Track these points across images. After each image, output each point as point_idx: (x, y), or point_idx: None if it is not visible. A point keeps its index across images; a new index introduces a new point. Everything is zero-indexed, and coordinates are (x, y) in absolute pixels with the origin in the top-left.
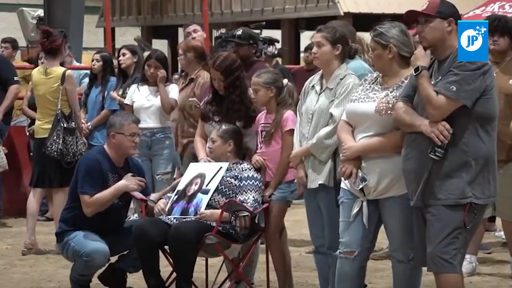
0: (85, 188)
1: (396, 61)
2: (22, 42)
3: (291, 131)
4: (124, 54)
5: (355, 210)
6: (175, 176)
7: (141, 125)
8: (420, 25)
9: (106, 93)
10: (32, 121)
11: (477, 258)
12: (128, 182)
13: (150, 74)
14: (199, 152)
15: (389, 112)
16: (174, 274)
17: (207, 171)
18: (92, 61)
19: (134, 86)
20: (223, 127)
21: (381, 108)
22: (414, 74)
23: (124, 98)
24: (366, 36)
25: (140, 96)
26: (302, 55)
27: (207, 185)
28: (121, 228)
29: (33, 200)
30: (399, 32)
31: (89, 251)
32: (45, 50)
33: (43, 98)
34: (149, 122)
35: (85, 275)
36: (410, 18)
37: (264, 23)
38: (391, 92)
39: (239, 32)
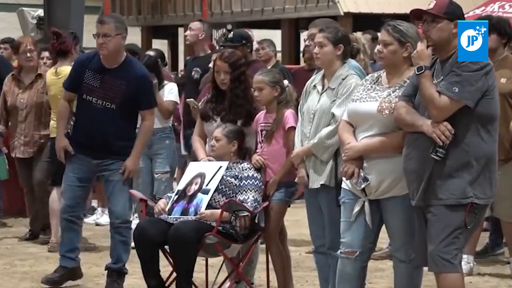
0: (66, 81)
1: (407, 61)
2: None
3: (294, 127)
4: None
5: (356, 210)
6: (175, 176)
7: None
8: (426, 24)
9: None
10: None
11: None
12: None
13: None
14: (198, 152)
15: (391, 112)
16: (174, 274)
17: (207, 170)
18: None
19: None
20: (228, 126)
21: (384, 108)
22: (417, 73)
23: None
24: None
25: None
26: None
27: (207, 185)
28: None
29: (56, 199)
30: (416, 34)
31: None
32: (55, 51)
33: (55, 98)
34: None
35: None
36: (415, 15)
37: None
38: (393, 92)
39: (230, 35)
